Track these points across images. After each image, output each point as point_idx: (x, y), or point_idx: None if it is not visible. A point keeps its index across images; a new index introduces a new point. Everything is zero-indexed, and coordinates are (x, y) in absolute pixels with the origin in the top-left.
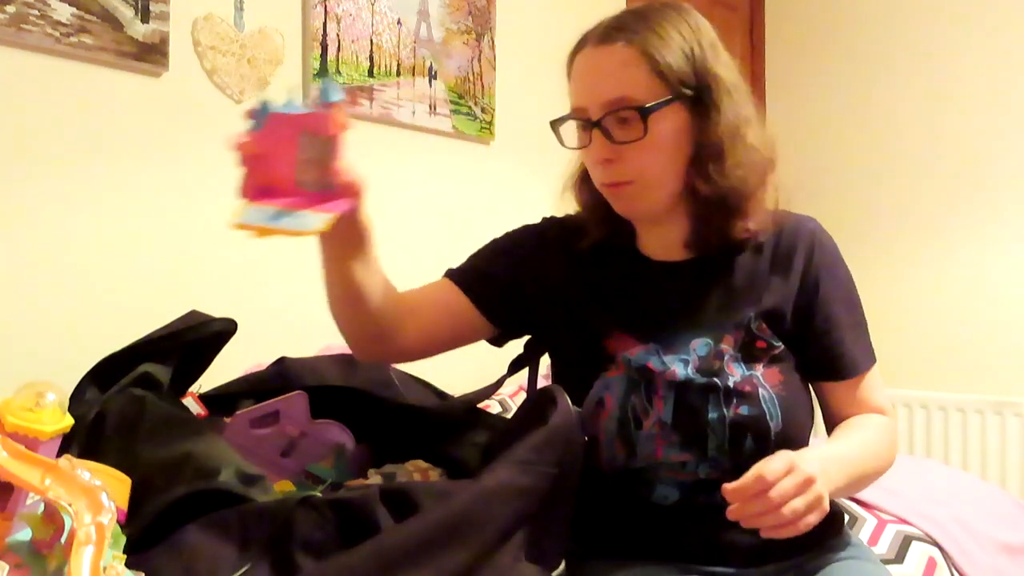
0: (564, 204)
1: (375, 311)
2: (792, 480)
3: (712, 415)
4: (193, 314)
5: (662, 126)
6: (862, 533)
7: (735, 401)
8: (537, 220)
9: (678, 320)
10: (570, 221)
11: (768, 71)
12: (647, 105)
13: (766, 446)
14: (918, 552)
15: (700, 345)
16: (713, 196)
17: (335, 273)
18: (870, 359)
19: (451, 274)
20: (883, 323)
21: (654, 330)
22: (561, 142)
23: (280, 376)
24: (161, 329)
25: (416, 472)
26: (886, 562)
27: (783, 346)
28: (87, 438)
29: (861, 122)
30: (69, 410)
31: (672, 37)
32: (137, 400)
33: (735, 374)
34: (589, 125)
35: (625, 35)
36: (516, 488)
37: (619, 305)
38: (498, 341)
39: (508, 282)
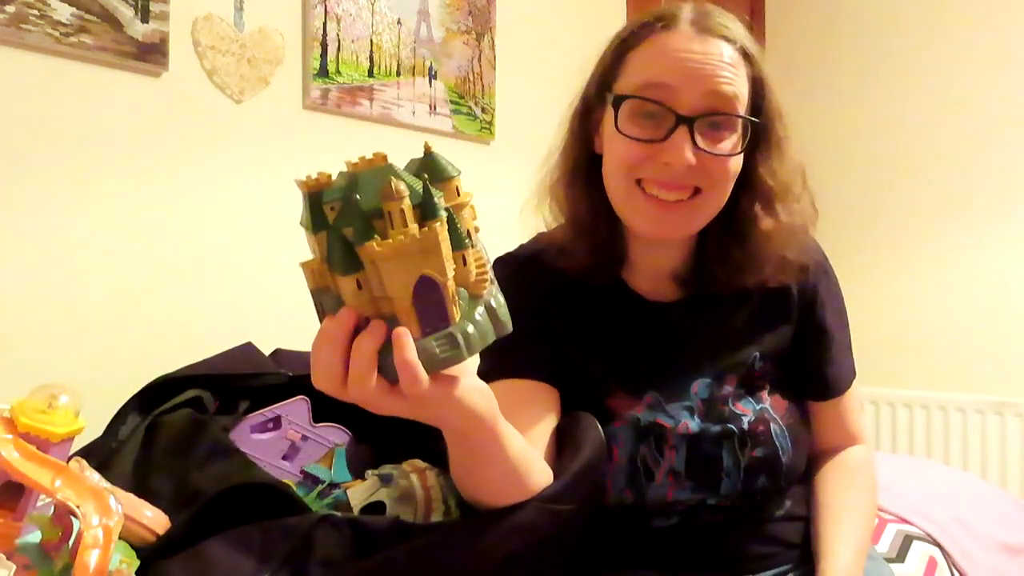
0: (539, 213)
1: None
2: None
3: (727, 462)
4: (250, 350)
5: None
6: None
7: (750, 445)
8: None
9: (676, 364)
10: (537, 255)
11: (767, 69)
12: (752, 118)
13: (778, 480)
14: (919, 551)
15: (701, 387)
16: (777, 232)
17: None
18: (852, 374)
19: (526, 372)
20: (883, 323)
21: (653, 379)
22: (617, 126)
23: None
24: (221, 361)
25: (413, 472)
26: (887, 560)
27: (782, 373)
28: (140, 448)
29: (861, 122)
30: (114, 424)
31: (758, 54)
32: (196, 424)
33: (748, 413)
34: (677, 119)
35: (727, 33)
36: (535, 527)
37: (615, 358)
38: None
39: (550, 343)
